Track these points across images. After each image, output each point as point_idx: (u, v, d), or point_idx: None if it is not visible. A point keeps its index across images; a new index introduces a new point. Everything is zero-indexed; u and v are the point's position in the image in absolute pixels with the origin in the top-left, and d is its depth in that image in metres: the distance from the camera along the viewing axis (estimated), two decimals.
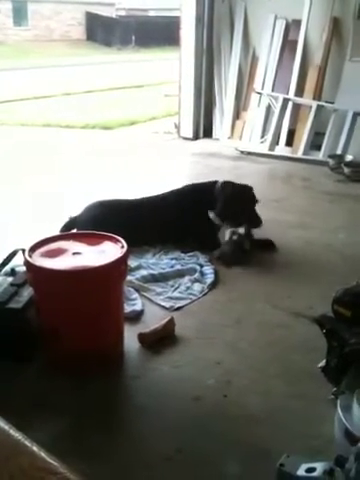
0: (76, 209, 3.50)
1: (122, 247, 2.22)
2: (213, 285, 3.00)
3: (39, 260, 2.12)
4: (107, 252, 2.20)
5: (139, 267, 3.09)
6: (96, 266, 2.09)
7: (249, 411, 2.07)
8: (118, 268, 2.17)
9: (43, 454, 0.71)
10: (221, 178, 3.71)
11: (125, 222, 3.10)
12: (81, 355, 2.15)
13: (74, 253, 2.19)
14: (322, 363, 2.10)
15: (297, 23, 6.01)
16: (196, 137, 6.77)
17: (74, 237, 2.34)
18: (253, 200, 3.47)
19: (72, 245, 2.26)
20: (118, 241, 2.26)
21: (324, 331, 2.00)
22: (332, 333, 1.96)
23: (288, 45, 6.16)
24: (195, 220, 3.39)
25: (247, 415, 2.05)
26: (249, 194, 3.50)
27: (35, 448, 0.72)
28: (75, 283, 2.08)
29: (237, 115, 6.63)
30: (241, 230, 3.41)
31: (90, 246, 2.26)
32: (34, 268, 2.10)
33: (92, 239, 2.31)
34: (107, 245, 2.27)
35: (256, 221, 3.40)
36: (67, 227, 3.27)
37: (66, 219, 3.39)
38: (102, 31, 24.00)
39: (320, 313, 2.65)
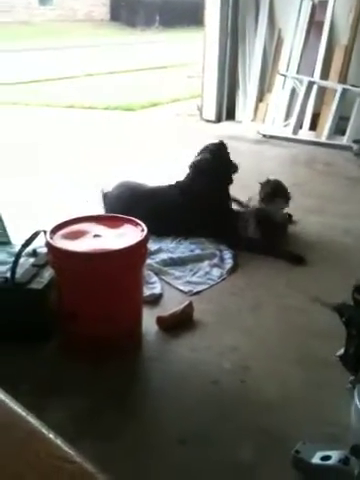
0: (105, 186, 3.56)
1: (142, 230, 2.22)
2: (232, 270, 2.99)
3: (60, 242, 2.14)
4: (127, 235, 2.20)
5: (159, 251, 3.09)
6: (116, 249, 2.10)
7: (266, 397, 2.08)
8: (138, 251, 2.18)
9: (60, 442, 0.72)
10: (243, 161, 3.68)
11: (146, 206, 3.11)
12: (99, 337, 2.17)
13: (95, 235, 2.20)
14: (340, 351, 2.09)
15: (324, 4, 5.88)
16: (219, 119, 6.72)
17: (95, 219, 2.34)
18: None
19: (93, 227, 2.26)
20: (138, 224, 2.27)
21: (343, 319, 1.98)
22: (351, 322, 1.95)
23: (314, 26, 6.04)
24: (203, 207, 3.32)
25: (264, 401, 2.06)
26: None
27: (52, 436, 0.73)
28: (95, 265, 2.09)
29: (261, 98, 6.54)
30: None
31: (111, 229, 2.26)
32: (55, 249, 2.12)
33: (113, 222, 2.31)
34: (127, 228, 2.27)
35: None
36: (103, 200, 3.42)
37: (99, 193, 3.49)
38: (126, 11, 23.80)
39: (339, 300, 2.65)
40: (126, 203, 3.19)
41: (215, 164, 3.39)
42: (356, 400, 1.93)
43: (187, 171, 3.48)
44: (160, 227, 3.08)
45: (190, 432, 1.89)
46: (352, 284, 2.09)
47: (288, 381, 2.16)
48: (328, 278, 2.94)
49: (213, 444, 1.84)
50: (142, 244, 2.17)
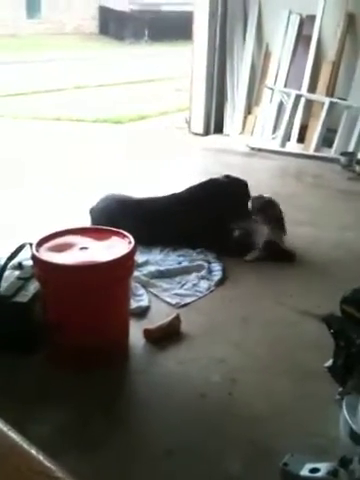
0: (92, 200, 3.54)
1: (130, 243, 2.21)
2: (220, 282, 2.99)
3: (46, 254, 2.12)
4: (114, 247, 2.19)
5: (146, 263, 3.08)
6: (103, 261, 2.08)
7: (254, 409, 2.06)
8: (125, 264, 2.17)
9: (41, 457, 0.70)
10: (232, 174, 3.69)
11: (134, 217, 3.12)
12: (85, 349, 2.15)
13: (81, 248, 2.19)
14: (329, 363, 2.08)
15: (311, 18, 5.94)
16: (207, 132, 6.73)
17: (82, 232, 2.33)
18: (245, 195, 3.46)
19: (80, 240, 2.25)
20: (126, 236, 2.26)
21: (331, 331, 1.98)
22: (339, 333, 1.94)
23: (302, 41, 6.10)
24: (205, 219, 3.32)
25: (251, 413, 2.04)
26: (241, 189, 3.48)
27: (34, 451, 0.71)
28: (81, 278, 2.08)
29: (248, 111, 6.57)
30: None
31: (97, 241, 2.25)
32: (41, 262, 2.10)
33: (100, 234, 2.30)
34: (115, 240, 2.26)
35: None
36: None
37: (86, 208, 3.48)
38: (115, 25, 23.91)
39: (328, 312, 2.65)
40: (112, 214, 3.19)
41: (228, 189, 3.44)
42: (344, 411, 1.92)
43: (183, 183, 3.55)
44: (148, 235, 3.10)
45: (177, 444, 1.87)
46: (340, 295, 2.09)
47: (276, 393, 2.15)
48: (318, 290, 2.93)
49: (200, 456, 1.83)
50: (129, 256, 2.16)
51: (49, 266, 2.08)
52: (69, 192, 4.36)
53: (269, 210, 3.45)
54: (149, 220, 3.26)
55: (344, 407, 1.92)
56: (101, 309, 2.14)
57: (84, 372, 2.17)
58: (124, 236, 2.26)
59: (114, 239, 2.27)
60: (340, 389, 2.01)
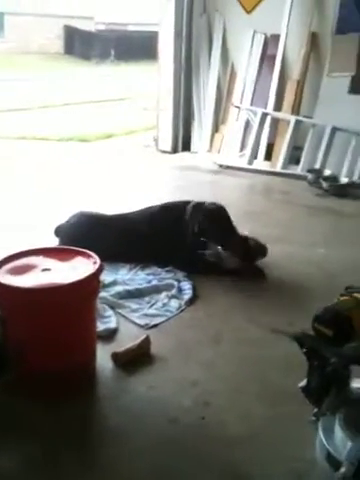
0: (57, 219, 3.46)
1: (95, 263, 2.12)
2: (191, 301, 2.91)
3: (5, 277, 2.02)
4: (79, 268, 2.10)
5: (114, 283, 2.98)
6: (66, 283, 1.99)
7: (228, 433, 1.99)
8: (89, 285, 2.08)
9: None
10: (200, 191, 3.66)
11: (102, 235, 3.10)
12: (51, 375, 2.05)
13: (43, 269, 2.09)
14: (303, 383, 2.01)
15: (276, 38, 6.01)
16: (175, 150, 6.72)
17: (44, 252, 2.23)
18: (226, 220, 3.33)
19: (42, 261, 2.15)
20: (90, 256, 2.17)
21: (304, 350, 1.92)
22: (313, 352, 1.88)
23: (267, 60, 6.16)
24: (167, 239, 3.26)
25: (226, 437, 1.97)
26: (221, 214, 3.35)
27: None
28: (43, 301, 1.98)
29: (216, 129, 6.59)
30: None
31: (61, 262, 2.16)
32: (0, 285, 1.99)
33: (63, 254, 2.21)
34: (79, 261, 2.17)
35: (228, 243, 3.27)
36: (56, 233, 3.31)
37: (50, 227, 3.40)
38: (80, 45, 23.96)
39: (300, 329, 2.60)
40: (81, 231, 3.15)
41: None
42: (320, 433, 1.86)
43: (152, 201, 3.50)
44: (117, 253, 3.10)
45: (149, 474, 1.78)
46: (313, 313, 2.05)
47: (250, 415, 2.08)
48: (289, 308, 2.89)
49: None
50: (94, 277, 2.07)
51: (8, 289, 1.98)
52: (33, 211, 4.25)
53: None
54: (118, 238, 3.22)
55: (320, 429, 1.86)
56: (65, 333, 2.05)
57: (50, 400, 2.06)
58: (89, 256, 2.17)
59: (78, 259, 2.18)
60: (315, 410, 1.95)
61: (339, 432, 1.79)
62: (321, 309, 1.84)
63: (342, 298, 1.90)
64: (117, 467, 1.81)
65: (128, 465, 1.82)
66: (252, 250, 3.33)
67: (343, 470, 1.60)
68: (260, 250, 3.37)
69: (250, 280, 3.21)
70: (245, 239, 3.33)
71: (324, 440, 1.80)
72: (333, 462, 1.73)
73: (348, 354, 1.85)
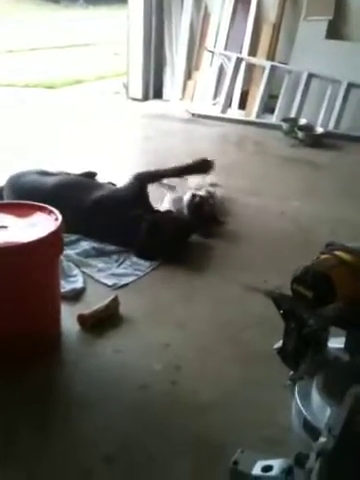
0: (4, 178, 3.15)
1: (56, 219, 1.96)
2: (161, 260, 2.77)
3: None
4: (38, 225, 1.93)
5: (80, 239, 2.80)
6: (24, 242, 1.82)
7: (200, 399, 1.89)
8: (51, 244, 1.91)
9: None
10: (171, 141, 3.47)
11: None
12: (10, 340, 1.91)
13: None
14: (278, 344, 1.91)
15: None
16: (146, 98, 6.45)
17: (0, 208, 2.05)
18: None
19: None
20: (52, 212, 2.00)
21: (281, 311, 1.81)
22: (290, 314, 1.77)
23: (241, 2, 5.86)
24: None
25: (198, 404, 1.87)
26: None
27: None
28: (0, 261, 1.81)
29: (189, 75, 6.32)
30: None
31: (18, 218, 1.98)
32: None
33: (21, 210, 2.03)
34: (39, 217, 2.00)
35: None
36: None
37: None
38: None
39: (274, 287, 2.50)
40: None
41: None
42: (297, 399, 1.78)
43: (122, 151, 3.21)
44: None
45: (117, 448, 1.67)
46: (288, 270, 1.93)
47: (223, 380, 1.99)
48: (264, 264, 2.79)
49: (144, 461, 1.64)
50: (55, 235, 1.90)
51: None
52: None
53: (204, 208, 3.19)
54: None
55: (296, 394, 1.77)
56: (25, 295, 1.90)
57: (9, 367, 1.93)
58: (50, 212, 2.00)
59: (38, 215, 2.00)
60: (291, 373, 1.86)
61: (317, 397, 1.70)
62: (301, 269, 1.71)
63: (323, 256, 1.77)
64: (82, 440, 1.71)
65: (94, 437, 1.71)
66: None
67: (323, 440, 1.51)
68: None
69: (222, 235, 3.08)
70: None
71: (301, 406, 1.71)
72: (310, 430, 1.64)
73: (327, 315, 1.74)
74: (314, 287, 1.67)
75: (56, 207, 2.04)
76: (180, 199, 3.20)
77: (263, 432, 1.75)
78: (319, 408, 1.67)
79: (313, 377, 1.78)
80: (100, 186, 3.09)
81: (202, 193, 3.26)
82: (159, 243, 2.74)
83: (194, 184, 3.45)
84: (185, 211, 3.13)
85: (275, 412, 1.83)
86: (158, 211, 3.03)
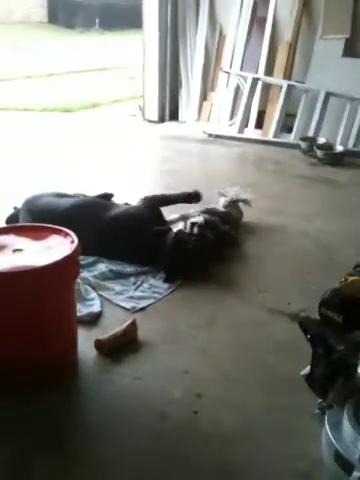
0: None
1: (72, 242, 1.89)
2: (181, 281, 2.69)
3: None
4: (54, 248, 1.87)
5: (97, 262, 2.75)
6: (40, 266, 1.76)
7: (223, 429, 1.80)
8: (67, 267, 1.85)
9: None
10: (189, 162, 3.42)
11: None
12: (26, 366, 1.84)
13: (15, 250, 1.86)
14: (306, 370, 1.83)
15: None
16: (162, 120, 6.44)
17: (15, 231, 2.00)
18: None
19: (13, 240, 1.92)
20: (68, 235, 1.94)
21: (308, 336, 1.72)
22: (318, 339, 1.69)
23: (256, 22, 5.85)
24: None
25: (221, 434, 1.78)
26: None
27: None
28: (14, 286, 1.75)
29: (204, 96, 6.31)
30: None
31: (34, 241, 1.92)
32: None
33: (37, 233, 1.97)
34: (55, 239, 1.94)
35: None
36: (12, 218, 2.93)
37: (11, 210, 3.04)
38: (65, 14, 23.23)
39: (299, 310, 2.41)
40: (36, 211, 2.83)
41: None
42: (327, 429, 1.67)
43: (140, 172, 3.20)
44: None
45: (137, 478, 1.58)
46: (312, 291, 1.85)
47: (248, 408, 1.89)
48: (287, 286, 2.70)
49: None
50: (71, 259, 1.84)
51: None
52: (11, 185, 3.98)
53: (233, 210, 3.26)
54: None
55: (326, 424, 1.67)
56: (41, 320, 1.84)
57: (25, 395, 1.86)
58: (66, 234, 1.94)
59: (54, 238, 1.94)
60: (319, 401, 1.76)
61: (348, 428, 1.60)
62: (329, 292, 1.62)
63: (351, 278, 1.69)
64: (99, 472, 1.62)
65: (111, 470, 1.62)
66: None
67: (357, 475, 1.41)
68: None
69: (243, 256, 3.00)
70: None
71: (332, 437, 1.61)
72: (343, 463, 1.54)
73: (357, 340, 1.65)
74: (343, 311, 1.58)
75: (72, 228, 2.00)
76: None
77: (291, 464, 1.66)
78: (351, 439, 1.57)
79: (343, 405, 1.68)
80: (116, 206, 3.06)
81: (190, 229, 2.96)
82: (184, 258, 2.70)
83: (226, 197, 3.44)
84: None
85: (304, 442, 1.73)
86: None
